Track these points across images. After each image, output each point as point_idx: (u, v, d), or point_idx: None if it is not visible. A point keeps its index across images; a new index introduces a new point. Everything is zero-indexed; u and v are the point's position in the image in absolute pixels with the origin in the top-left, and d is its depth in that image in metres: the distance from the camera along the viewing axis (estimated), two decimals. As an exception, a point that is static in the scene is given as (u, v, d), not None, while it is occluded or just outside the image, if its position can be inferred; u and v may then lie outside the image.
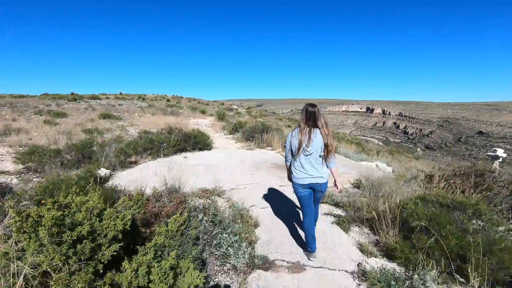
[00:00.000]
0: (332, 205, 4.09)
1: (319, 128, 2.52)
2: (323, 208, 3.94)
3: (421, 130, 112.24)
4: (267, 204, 4.08)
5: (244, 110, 41.30)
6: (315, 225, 2.91)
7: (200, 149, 8.19)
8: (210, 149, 8.43)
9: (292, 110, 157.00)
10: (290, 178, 2.80)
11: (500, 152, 8.64)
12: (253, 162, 6.91)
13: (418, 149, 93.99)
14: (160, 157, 6.97)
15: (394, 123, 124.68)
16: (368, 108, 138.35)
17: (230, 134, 12.78)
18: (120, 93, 51.87)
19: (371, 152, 11.71)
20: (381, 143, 77.87)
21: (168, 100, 45.21)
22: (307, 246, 2.81)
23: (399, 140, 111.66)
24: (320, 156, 2.53)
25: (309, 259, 2.80)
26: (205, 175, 5.40)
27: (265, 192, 4.60)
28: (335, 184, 2.69)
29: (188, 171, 5.67)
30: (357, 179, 4.97)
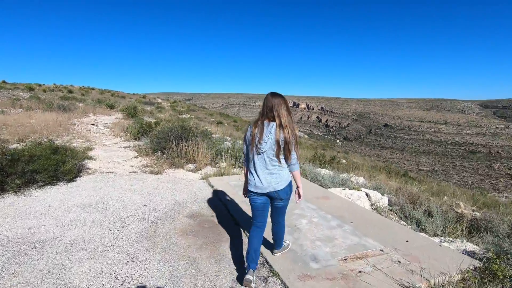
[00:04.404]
0: None
1: (275, 122, 1.96)
2: None
3: (339, 124, 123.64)
4: None
5: (169, 105, 35.56)
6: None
7: (48, 182, 4.11)
8: (72, 179, 4.38)
9: (223, 105, 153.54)
10: (245, 190, 2.18)
11: None
12: (148, 219, 3.26)
13: (338, 141, 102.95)
14: None
15: (317, 117, 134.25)
16: (294, 103, 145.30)
17: (135, 139, 8.67)
18: (4, 82, 39.37)
19: (324, 158, 9.38)
20: (306, 136, 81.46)
21: (70, 92, 36.09)
22: (247, 262, 2.05)
23: (321, 133, 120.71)
24: (276, 156, 1.96)
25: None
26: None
27: None
28: (298, 193, 2.15)
29: None
30: None
